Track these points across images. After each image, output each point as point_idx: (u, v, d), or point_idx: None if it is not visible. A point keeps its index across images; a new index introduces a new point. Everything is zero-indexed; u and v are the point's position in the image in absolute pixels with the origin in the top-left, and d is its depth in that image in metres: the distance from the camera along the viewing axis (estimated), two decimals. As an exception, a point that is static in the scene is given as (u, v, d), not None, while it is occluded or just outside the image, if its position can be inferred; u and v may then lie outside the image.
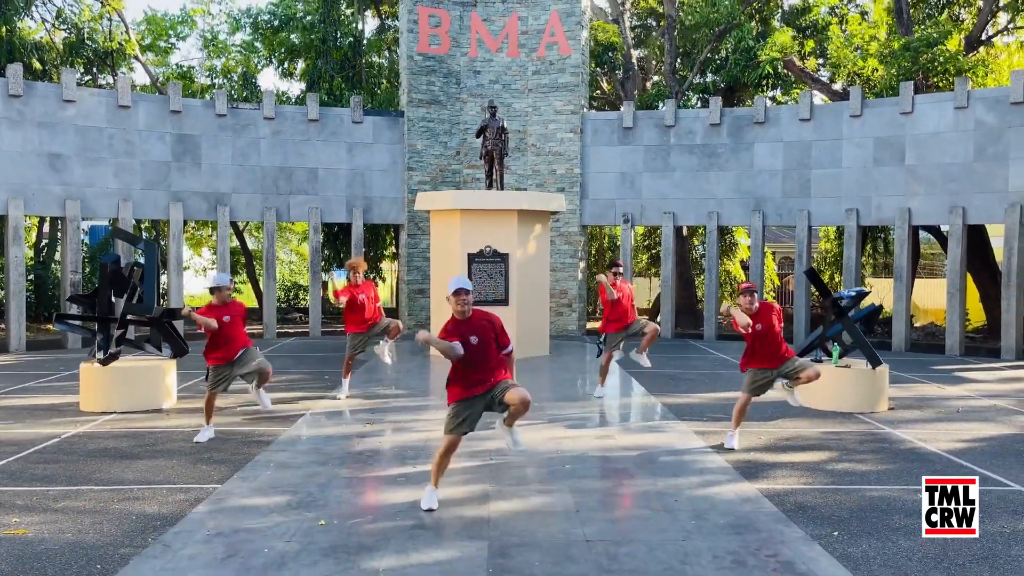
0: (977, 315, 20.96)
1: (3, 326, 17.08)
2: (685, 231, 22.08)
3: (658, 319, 20.28)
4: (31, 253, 22.12)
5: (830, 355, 10.57)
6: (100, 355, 9.69)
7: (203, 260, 28.63)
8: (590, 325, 20.15)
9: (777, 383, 8.02)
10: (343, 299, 10.12)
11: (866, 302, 12.33)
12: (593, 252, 25.30)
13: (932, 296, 25.30)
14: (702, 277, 23.34)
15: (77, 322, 10.73)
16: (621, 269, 10.56)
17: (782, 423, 9.18)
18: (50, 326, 19.26)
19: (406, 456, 7.63)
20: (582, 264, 19.25)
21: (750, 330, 7.74)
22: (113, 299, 10.06)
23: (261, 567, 4.95)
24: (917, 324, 21.75)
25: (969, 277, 18.10)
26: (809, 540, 5.43)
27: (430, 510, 5.97)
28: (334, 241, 23.08)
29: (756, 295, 7.83)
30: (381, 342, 10.36)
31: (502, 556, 5.15)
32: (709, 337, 18.37)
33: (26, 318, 16.67)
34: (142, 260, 10.69)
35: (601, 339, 10.46)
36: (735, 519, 5.89)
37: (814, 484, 6.80)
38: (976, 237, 17.87)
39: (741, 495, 6.46)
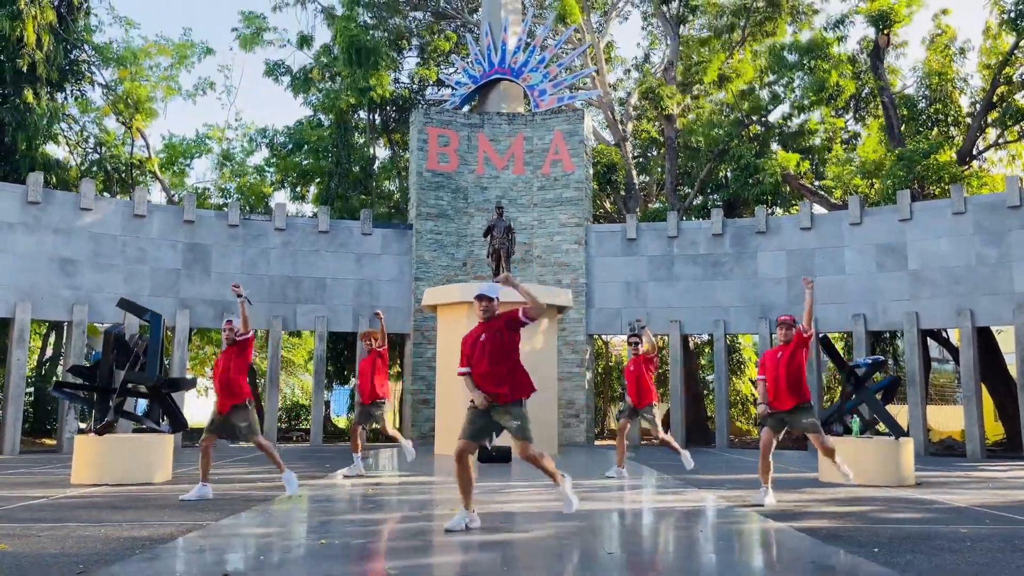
0: (993, 429, 20.42)
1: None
2: (692, 345, 21.93)
3: (668, 431, 19.75)
4: (33, 363, 21.92)
5: (850, 431, 10.23)
6: (96, 424, 9.39)
7: (205, 380, 28.35)
8: (599, 443, 19.60)
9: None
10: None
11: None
12: (600, 369, 25.05)
13: (945, 421, 24.82)
14: (710, 396, 22.96)
15: (78, 391, 10.44)
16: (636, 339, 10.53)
17: (806, 490, 8.74)
18: (47, 440, 18.78)
19: (412, 507, 7.23)
20: (588, 375, 19.00)
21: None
22: (114, 370, 9.87)
23: (255, 567, 4.57)
24: (934, 440, 21.13)
25: (984, 390, 17.74)
26: (848, 554, 5.03)
27: (449, 531, 5.63)
28: (338, 358, 22.94)
29: (792, 329, 7.59)
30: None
31: (519, 559, 4.77)
32: (722, 446, 17.84)
33: (22, 431, 16.22)
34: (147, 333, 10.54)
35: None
36: (767, 542, 5.49)
37: (847, 524, 6.38)
38: (985, 345, 17.67)
39: (772, 528, 6.05)
